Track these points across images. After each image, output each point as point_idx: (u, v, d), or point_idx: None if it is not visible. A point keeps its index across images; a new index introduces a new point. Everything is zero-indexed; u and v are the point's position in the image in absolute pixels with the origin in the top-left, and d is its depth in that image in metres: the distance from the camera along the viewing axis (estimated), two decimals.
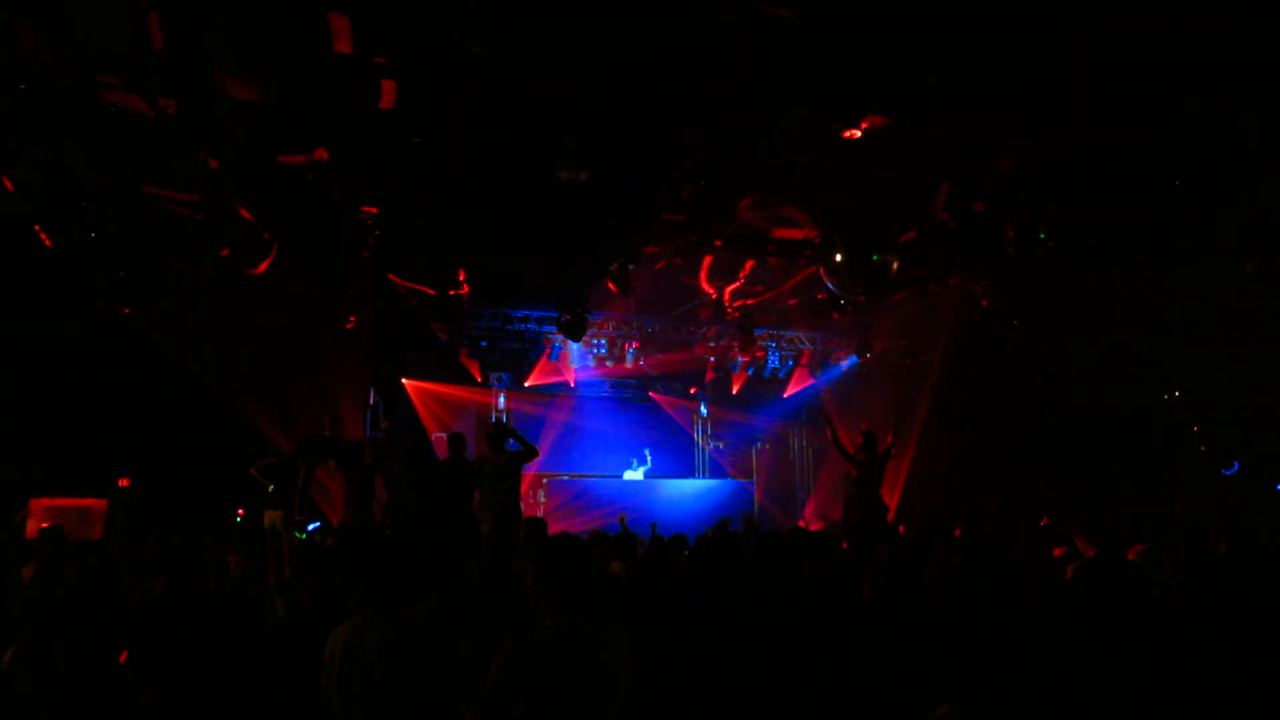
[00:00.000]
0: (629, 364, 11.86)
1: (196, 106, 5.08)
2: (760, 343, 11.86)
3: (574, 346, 11.46)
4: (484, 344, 11.09)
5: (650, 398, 13.30)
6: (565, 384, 12.33)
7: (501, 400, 12.34)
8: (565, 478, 11.71)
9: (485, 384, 12.15)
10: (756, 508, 11.67)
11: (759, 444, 13.61)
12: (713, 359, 12.16)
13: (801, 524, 11.32)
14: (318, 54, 4.73)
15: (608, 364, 11.92)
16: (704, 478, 13.27)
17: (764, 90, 5.09)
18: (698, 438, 13.73)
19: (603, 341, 11.50)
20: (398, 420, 9.94)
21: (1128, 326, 7.90)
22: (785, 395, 13.09)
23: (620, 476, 11.89)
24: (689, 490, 11.66)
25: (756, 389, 12.89)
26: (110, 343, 7.77)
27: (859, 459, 7.33)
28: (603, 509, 10.59)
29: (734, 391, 12.92)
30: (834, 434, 7.63)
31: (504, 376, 12.29)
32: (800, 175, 6.66)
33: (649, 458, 11.85)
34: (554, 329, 10.92)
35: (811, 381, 12.54)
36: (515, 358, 11.46)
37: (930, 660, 2.63)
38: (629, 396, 13.20)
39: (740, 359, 12.09)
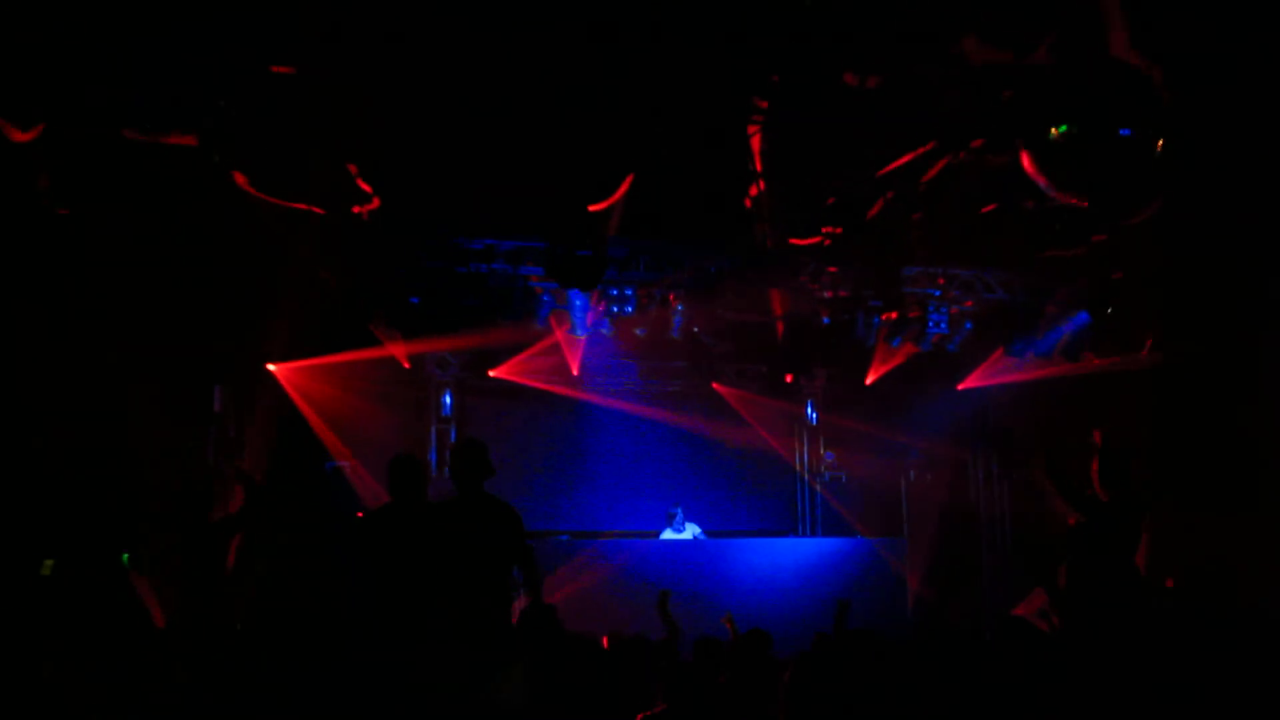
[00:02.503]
0: (675, 332, 11.75)
1: None
2: (911, 291, 11.74)
3: (576, 304, 11.49)
4: (414, 300, 11.09)
5: (714, 393, 13.34)
6: (562, 370, 12.53)
7: (447, 400, 12.67)
8: (563, 537, 11.90)
9: (419, 373, 12.38)
10: (914, 594, 11.73)
11: (911, 474, 13.63)
12: (826, 321, 12.00)
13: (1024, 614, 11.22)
14: None
15: (637, 333, 11.80)
16: (811, 534, 13.35)
17: None
18: (800, 464, 13.85)
19: (628, 292, 11.42)
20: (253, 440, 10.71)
21: None
22: (961, 388, 13.07)
23: (658, 535, 12.13)
24: (785, 557, 11.56)
25: (908, 376, 12.84)
26: None
27: (1090, 500, 7.24)
28: (631, 592, 10.60)
29: (867, 382, 12.93)
30: (1051, 459, 7.47)
31: (451, 360, 12.55)
32: None
33: (680, 517, 12.15)
34: (540, 271, 10.94)
35: (1008, 363, 12.41)
36: (468, 322, 11.43)
37: None
38: (675, 392, 13.41)
39: (876, 322, 11.93)
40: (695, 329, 11.86)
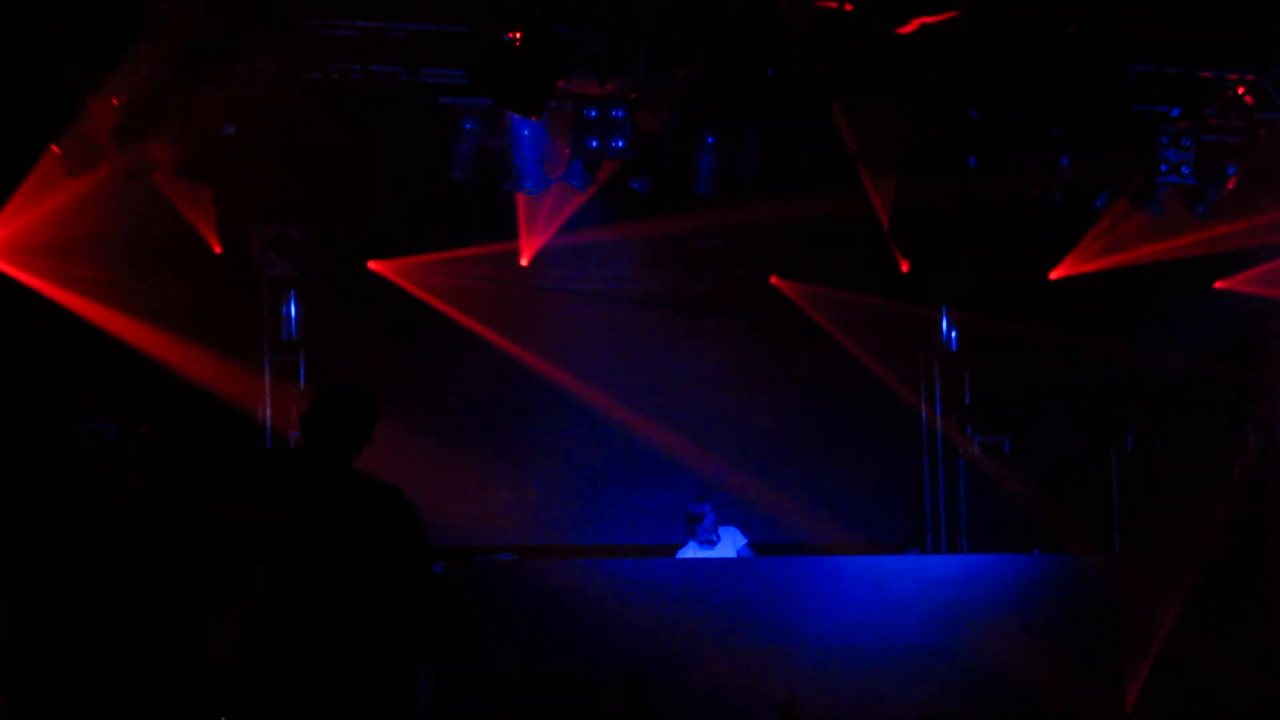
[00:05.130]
0: (703, 184, 11.90)
1: None
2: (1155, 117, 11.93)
3: (523, 135, 11.75)
4: (228, 130, 11.35)
5: (773, 293, 14.00)
6: (501, 259, 13.25)
7: (291, 312, 13.15)
8: (505, 556, 12.01)
9: (242, 263, 12.93)
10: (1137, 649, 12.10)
11: (1128, 439, 14.24)
12: (972, 163, 12.12)
13: None
14: None
15: (634, 187, 12.01)
16: (950, 547, 14.14)
17: None
18: (930, 420, 14.49)
19: (616, 114, 11.62)
20: None
21: None
22: (1220, 287, 13.66)
23: (675, 552, 12.52)
24: (904, 588, 11.66)
25: (1123, 266, 13.26)
26: None
27: None
28: (626, 650, 10.94)
29: (1052, 275, 13.53)
30: None
31: (297, 240, 13.09)
32: None
33: (711, 519, 12.42)
34: (460, 78, 11.23)
35: None
36: (326, 170, 11.87)
37: None
38: (703, 294, 14.15)
39: (1065, 163, 12.16)
40: (738, 175, 11.85)
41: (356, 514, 6.34)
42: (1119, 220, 12.89)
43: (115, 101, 11.12)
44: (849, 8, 11.07)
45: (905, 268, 13.57)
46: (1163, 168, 11.85)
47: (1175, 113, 11.84)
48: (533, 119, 11.10)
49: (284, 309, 13.01)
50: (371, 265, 12.98)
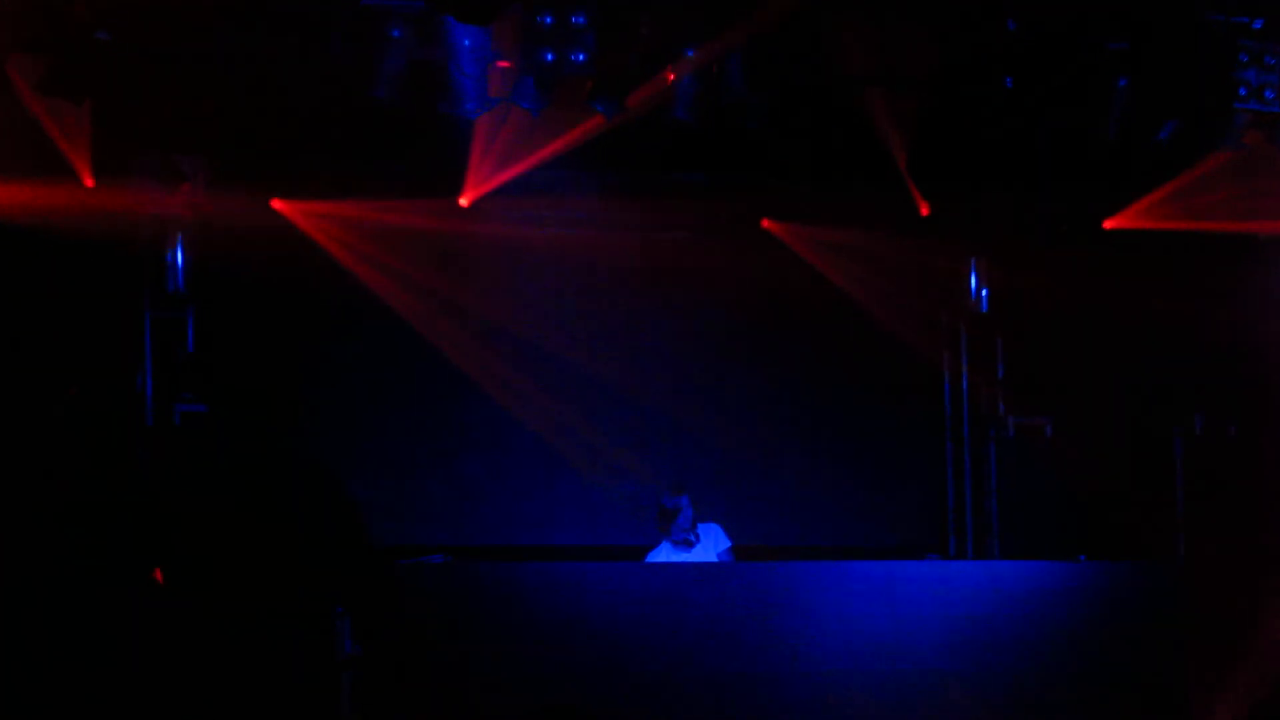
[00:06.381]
0: (680, 109, 11.92)
1: None
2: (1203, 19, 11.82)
3: (463, 46, 11.69)
4: (103, 36, 11.28)
5: (765, 238, 13.91)
6: (441, 200, 13.16)
7: (178, 259, 12.75)
8: (437, 557, 11.93)
9: (116, 197, 12.51)
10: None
11: (1196, 421, 14.09)
12: (1009, 83, 12.15)
13: None
14: None
15: (597, 107, 12.06)
16: (976, 552, 14.19)
17: None
18: (955, 399, 14.37)
19: (577, 20, 11.53)
20: None
21: None
22: None
23: (645, 555, 12.56)
24: (921, 601, 11.53)
25: (1192, 215, 13.37)
26: None
27: None
28: (583, 683, 10.72)
29: (1107, 224, 13.61)
30: None
31: (182, 167, 12.75)
32: None
33: (687, 513, 12.36)
34: None
35: None
36: (223, 86, 11.88)
37: None
38: (678, 242, 13.85)
39: (1123, 85, 12.05)
40: (724, 97, 11.87)
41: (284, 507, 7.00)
42: (1198, 190, 12.45)
43: None
44: None
45: (925, 211, 13.36)
46: (1241, 91, 11.52)
47: (1257, 24, 11.33)
48: (477, 27, 11.16)
49: (168, 255, 12.57)
50: (276, 205, 12.82)
